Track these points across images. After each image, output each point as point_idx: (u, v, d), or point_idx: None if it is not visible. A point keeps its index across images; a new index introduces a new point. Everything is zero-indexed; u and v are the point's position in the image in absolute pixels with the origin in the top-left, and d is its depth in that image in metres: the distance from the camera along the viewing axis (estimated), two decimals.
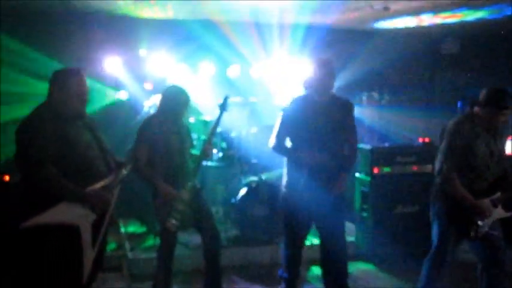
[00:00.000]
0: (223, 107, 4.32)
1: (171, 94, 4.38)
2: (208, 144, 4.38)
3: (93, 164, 3.41)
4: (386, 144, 6.00)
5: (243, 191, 5.66)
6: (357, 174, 5.92)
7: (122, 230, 6.31)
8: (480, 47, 8.02)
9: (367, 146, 5.79)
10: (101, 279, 5.21)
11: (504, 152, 4.15)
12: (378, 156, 5.68)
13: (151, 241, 5.67)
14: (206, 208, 4.56)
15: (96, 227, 3.35)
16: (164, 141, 4.26)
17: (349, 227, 6.32)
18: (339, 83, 7.90)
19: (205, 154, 4.38)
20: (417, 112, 7.97)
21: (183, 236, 5.46)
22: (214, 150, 6.06)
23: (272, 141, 4.31)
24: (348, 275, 4.40)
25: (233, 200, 5.72)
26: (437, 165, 4.02)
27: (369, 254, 5.72)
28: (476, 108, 3.97)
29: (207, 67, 7.17)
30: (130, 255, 5.49)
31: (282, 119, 4.28)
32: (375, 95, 8.21)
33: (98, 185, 3.36)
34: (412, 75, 8.40)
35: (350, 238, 6.00)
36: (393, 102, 8.25)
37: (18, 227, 3.08)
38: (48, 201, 3.15)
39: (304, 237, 4.44)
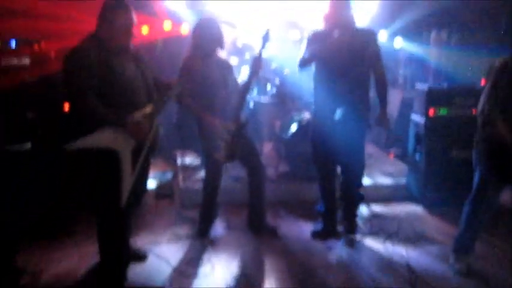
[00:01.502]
0: (265, 38, 4.28)
1: (201, 28, 4.40)
2: (250, 80, 4.37)
3: (136, 94, 3.50)
4: (445, 85, 5.74)
5: (293, 128, 5.67)
6: (412, 116, 5.76)
7: (178, 161, 6.57)
8: None
9: (423, 87, 5.57)
10: (154, 206, 5.58)
11: None
12: (435, 97, 5.44)
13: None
14: (250, 142, 4.65)
15: (136, 153, 3.47)
16: (206, 74, 4.33)
17: (402, 168, 6.26)
18: (404, 20, 7.64)
19: (255, 71, 4.35)
20: (487, 53, 7.51)
21: (233, 170, 5.64)
22: (268, 86, 6.10)
23: (298, 60, 4.54)
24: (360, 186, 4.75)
25: (284, 136, 5.75)
26: (479, 106, 3.84)
27: (420, 197, 5.63)
28: None
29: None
30: (182, 185, 5.72)
31: (306, 46, 4.51)
32: (444, 34, 7.79)
33: (138, 114, 3.46)
34: (484, 14, 7.85)
35: (402, 180, 5.96)
36: (462, 42, 7.80)
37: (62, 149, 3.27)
38: (91, 128, 3.30)
39: (334, 165, 4.70)
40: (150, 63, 3.78)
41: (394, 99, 7.40)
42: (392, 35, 7.72)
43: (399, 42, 7.83)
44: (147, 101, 3.59)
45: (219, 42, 4.42)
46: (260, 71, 4.38)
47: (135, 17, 3.50)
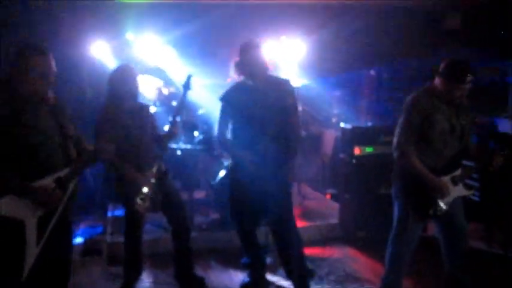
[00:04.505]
0: (186, 86, 4.23)
1: (116, 75, 4.28)
2: (173, 124, 4.29)
3: (50, 155, 3.15)
4: (369, 124, 5.82)
5: (221, 174, 5.59)
6: (340, 155, 5.78)
7: (109, 214, 6.36)
8: (482, 21, 7.65)
9: (348, 126, 5.62)
10: (80, 262, 5.32)
11: (469, 128, 3.92)
12: (360, 136, 5.51)
13: None
14: (172, 191, 4.51)
15: (44, 222, 3.10)
16: (121, 125, 4.16)
17: (336, 208, 6.23)
18: (335, 61, 7.80)
19: (171, 134, 4.31)
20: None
21: (162, 220, 5.47)
22: (195, 133, 6.03)
23: (216, 131, 4.34)
24: (304, 258, 4.42)
25: (212, 183, 5.66)
26: (394, 140, 3.87)
27: (351, 237, 5.59)
28: (436, 80, 3.79)
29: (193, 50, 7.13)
30: (109, 238, 5.51)
31: (221, 110, 4.28)
32: (373, 73, 7.97)
33: (50, 178, 3.12)
34: (414, 52, 8.09)
35: (335, 220, 5.92)
36: (392, 81, 7.99)
37: None
38: None
39: (254, 219, 4.41)
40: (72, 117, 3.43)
41: (329, 138, 7.47)
42: (323, 77, 7.84)
43: (330, 83, 7.94)
44: (64, 161, 3.23)
45: (132, 89, 4.29)
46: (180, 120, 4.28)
47: (53, 64, 3.14)
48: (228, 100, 4.25)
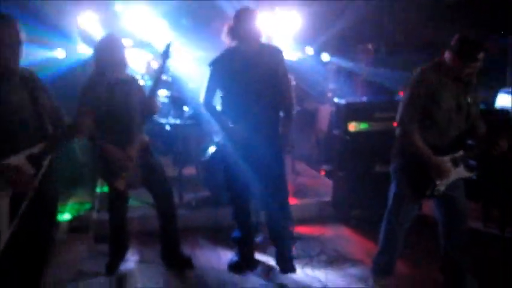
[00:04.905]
0: (165, 55, 4.07)
1: (103, 45, 4.08)
2: (151, 95, 4.10)
3: (22, 130, 3.02)
4: (364, 99, 5.63)
5: (211, 150, 5.42)
6: (334, 131, 5.61)
7: (98, 190, 6.20)
8: None
9: (342, 101, 5.43)
10: (66, 240, 5.19)
11: (476, 107, 3.75)
12: (354, 112, 5.32)
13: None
14: (156, 165, 4.35)
15: (17, 201, 2.97)
16: (106, 98, 3.98)
17: (330, 186, 6.07)
18: (330, 34, 7.58)
19: (150, 106, 4.11)
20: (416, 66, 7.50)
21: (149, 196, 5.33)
22: (185, 108, 5.85)
23: (202, 98, 4.21)
24: (290, 234, 4.46)
25: (202, 159, 5.50)
26: (397, 116, 3.69)
27: (345, 216, 5.45)
28: (446, 54, 3.58)
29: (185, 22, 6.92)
30: (96, 216, 5.37)
31: (211, 74, 4.15)
32: (371, 47, 7.72)
33: (22, 155, 2.98)
34: (414, 27, 7.85)
35: (328, 198, 5.78)
36: (390, 55, 7.77)
37: None
38: None
39: (247, 190, 4.31)
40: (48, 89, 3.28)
41: (324, 114, 7.30)
42: (319, 50, 7.62)
43: (326, 57, 7.72)
44: (38, 136, 3.08)
45: (117, 60, 4.08)
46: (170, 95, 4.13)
47: (20, 34, 2.99)
48: (219, 66, 4.13)
